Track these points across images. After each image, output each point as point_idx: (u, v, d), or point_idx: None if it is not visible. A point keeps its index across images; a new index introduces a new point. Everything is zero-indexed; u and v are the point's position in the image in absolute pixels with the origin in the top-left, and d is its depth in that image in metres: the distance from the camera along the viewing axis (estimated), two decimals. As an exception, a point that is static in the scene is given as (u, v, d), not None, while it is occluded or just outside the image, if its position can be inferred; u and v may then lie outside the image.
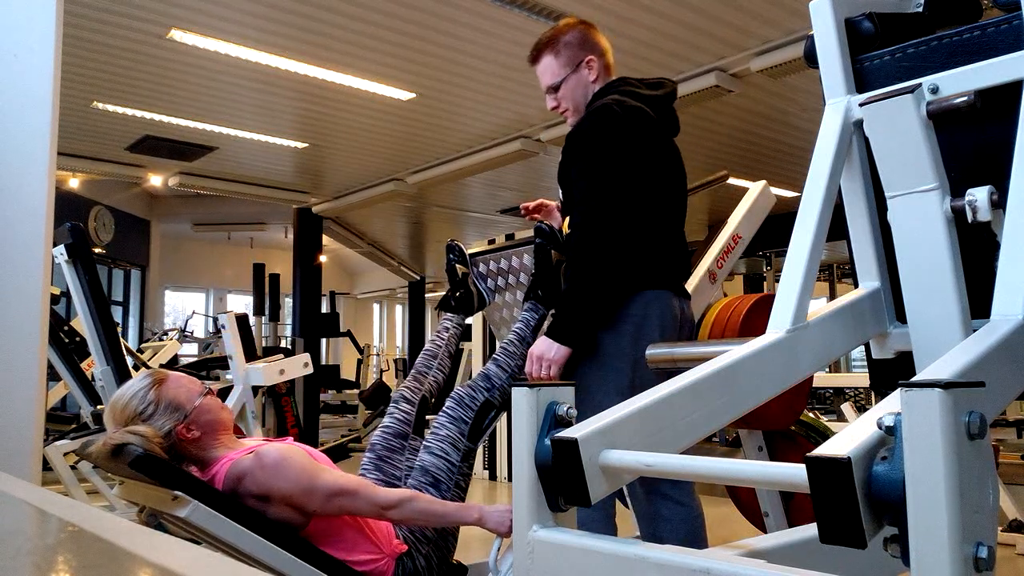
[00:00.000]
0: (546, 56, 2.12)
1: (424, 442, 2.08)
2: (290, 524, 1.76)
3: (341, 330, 12.01)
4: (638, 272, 1.98)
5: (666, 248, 2.06)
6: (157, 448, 1.69)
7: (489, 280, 2.52)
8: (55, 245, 3.83)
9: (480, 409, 2.08)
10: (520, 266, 2.42)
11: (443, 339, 2.38)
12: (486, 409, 2.10)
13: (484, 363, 2.49)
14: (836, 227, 1.39)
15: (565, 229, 2.18)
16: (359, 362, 11.89)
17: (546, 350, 1.92)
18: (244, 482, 1.73)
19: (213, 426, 1.83)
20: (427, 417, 2.20)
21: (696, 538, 2.00)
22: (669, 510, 2.01)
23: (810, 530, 1.15)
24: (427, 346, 2.40)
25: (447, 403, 2.10)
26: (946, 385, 0.77)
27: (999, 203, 1.20)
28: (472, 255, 2.54)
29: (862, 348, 1.48)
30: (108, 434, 1.73)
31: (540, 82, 2.16)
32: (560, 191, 2.20)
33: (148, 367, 5.27)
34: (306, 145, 6.85)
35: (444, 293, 2.53)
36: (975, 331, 1.08)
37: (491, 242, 2.61)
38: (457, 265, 2.49)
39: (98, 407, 4.38)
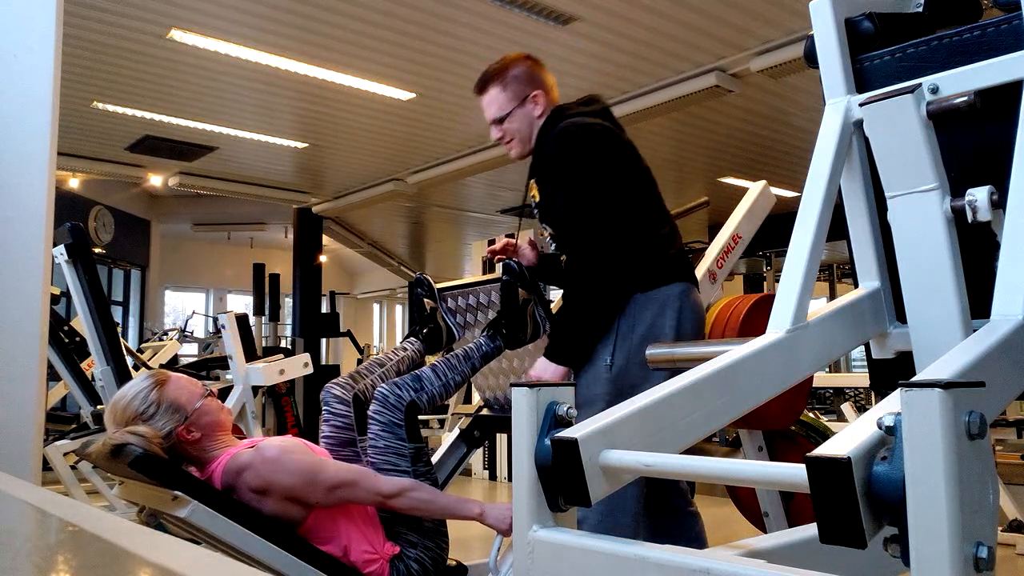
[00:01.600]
0: (493, 88, 2.13)
1: (368, 459, 1.95)
2: (288, 519, 1.76)
3: (341, 330, 12.00)
4: (663, 268, 1.98)
5: (677, 245, 2.07)
6: (157, 448, 1.69)
7: (458, 316, 2.48)
8: (55, 245, 3.83)
9: (407, 409, 1.95)
10: (489, 303, 2.38)
11: (397, 356, 2.26)
12: (413, 410, 1.97)
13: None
14: (836, 227, 1.39)
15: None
16: (359, 362, 11.87)
17: (542, 371, 1.94)
18: (244, 475, 1.73)
19: (213, 427, 1.83)
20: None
21: (702, 541, 2.02)
22: (680, 524, 2.02)
23: (810, 530, 1.15)
24: (379, 355, 2.30)
25: (372, 407, 1.96)
26: (946, 385, 0.77)
27: (999, 203, 1.20)
28: (440, 290, 2.47)
29: (862, 348, 1.48)
30: (108, 434, 1.73)
31: (485, 114, 2.18)
32: (547, 228, 2.19)
33: (148, 367, 5.27)
34: (306, 145, 6.85)
35: (411, 327, 2.46)
36: (975, 331, 1.08)
37: (491, 242, 2.60)
38: (425, 300, 2.41)
39: (98, 407, 4.38)
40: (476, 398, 4.55)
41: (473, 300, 2.42)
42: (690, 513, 2.06)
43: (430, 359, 2.34)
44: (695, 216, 9.33)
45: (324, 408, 2.07)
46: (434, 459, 2.38)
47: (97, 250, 9.88)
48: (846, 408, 5.56)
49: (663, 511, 2.04)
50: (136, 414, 1.77)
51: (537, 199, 2.12)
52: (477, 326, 2.43)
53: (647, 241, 1.97)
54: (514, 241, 2.32)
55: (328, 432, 2.03)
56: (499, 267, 2.27)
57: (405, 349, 2.29)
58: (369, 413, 1.96)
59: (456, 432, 2.54)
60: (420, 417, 2.03)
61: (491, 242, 7.54)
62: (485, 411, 2.63)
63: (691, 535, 2.02)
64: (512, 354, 2.33)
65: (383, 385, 1.98)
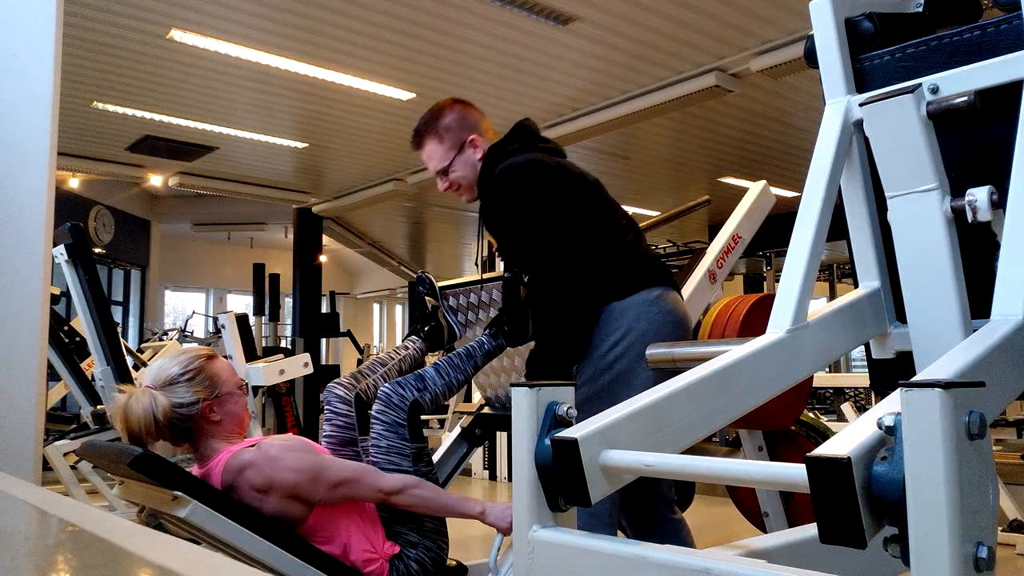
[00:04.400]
0: (429, 143, 2.13)
1: (370, 458, 1.97)
2: (289, 518, 1.76)
3: (341, 330, 11.99)
4: (631, 274, 1.96)
5: (644, 252, 2.04)
6: (164, 419, 1.74)
7: (459, 314, 2.48)
8: (55, 245, 3.83)
9: (410, 409, 1.96)
10: (490, 301, 2.38)
11: (399, 355, 2.28)
12: (416, 409, 1.98)
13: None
14: (836, 227, 1.39)
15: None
16: (359, 362, 11.88)
17: None
18: (246, 473, 1.74)
19: (233, 418, 1.86)
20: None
21: (690, 543, 2.01)
22: (663, 531, 2.02)
23: (810, 530, 1.15)
24: (380, 355, 2.32)
25: (376, 406, 1.97)
26: (946, 385, 0.77)
27: (999, 203, 1.20)
28: (442, 288, 2.49)
29: (862, 348, 1.48)
30: (140, 388, 1.79)
31: (427, 167, 2.17)
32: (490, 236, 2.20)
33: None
34: (306, 145, 6.85)
35: (413, 325, 2.48)
36: (975, 331, 1.08)
37: (490, 243, 2.60)
38: (427, 298, 2.43)
39: (98, 407, 4.37)
40: (477, 396, 4.55)
41: (475, 298, 2.42)
42: (673, 520, 2.04)
43: (431, 358, 2.35)
44: (695, 216, 9.36)
45: (326, 407, 2.09)
46: (435, 457, 2.39)
47: (97, 250, 9.88)
48: (846, 408, 5.56)
49: (645, 519, 2.03)
50: (175, 375, 1.81)
51: (495, 245, 2.12)
52: (479, 324, 2.43)
53: (610, 254, 1.95)
54: None
55: (329, 431, 2.07)
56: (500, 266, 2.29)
57: (407, 348, 2.31)
58: (372, 413, 1.97)
59: (457, 431, 2.55)
60: (421, 417, 2.04)
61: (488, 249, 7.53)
62: (486, 409, 2.63)
63: (676, 542, 2.01)
64: (513, 352, 2.33)
65: (386, 385, 1.99)
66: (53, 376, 4.91)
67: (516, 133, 2.12)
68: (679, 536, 2.03)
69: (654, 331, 1.91)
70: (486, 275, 2.47)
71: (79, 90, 5.53)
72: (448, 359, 2.10)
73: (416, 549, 1.89)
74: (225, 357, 4.50)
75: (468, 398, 7.45)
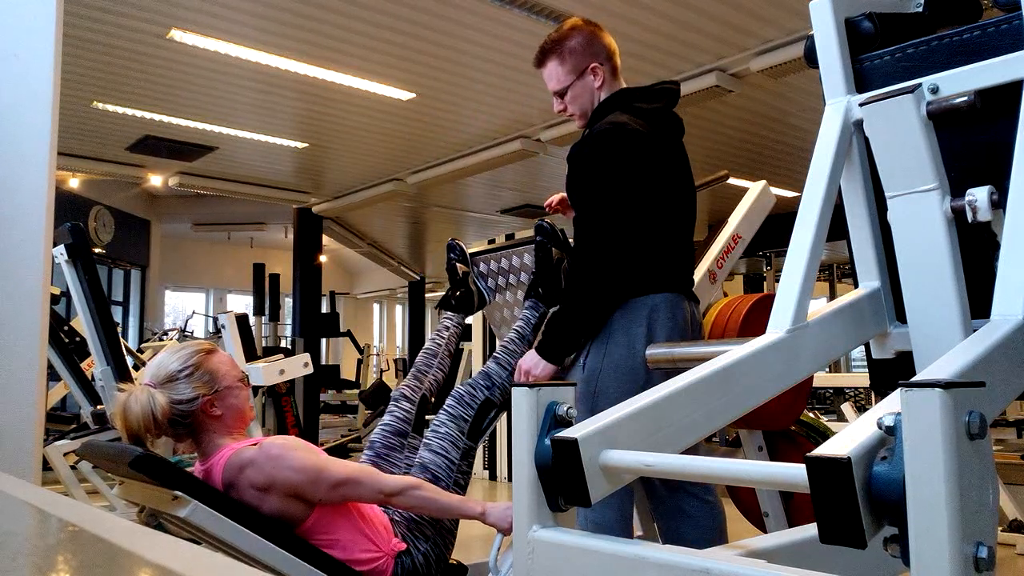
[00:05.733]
0: (551, 62, 2.11)
1: (424, 439, 2.09)
2: (289, 518, 1.76)
3: (341, 330, 12.01)
4: (647, 277, 1.98)
5: (673, 256, 2.06)
6: (163, 418, 1.74)
7: (489, 280, 2.53)
8: (55, 245, 3.83)
9: (480, 408, 2.09)
10: (520, 265, 2.43)
11: (443, 338, 2.40)
12: (486, 408, 2.10)
13: (484, 362, 2.49)
14: (836, 227, 1.39)
15: None
16: (359, 362, 11.89)
17: (533, 365, 1.96)
18: (247, 471, 1.74)
19: (234, 413, 1.86)
20: (427, 417, 2.20)
21: (720, 534, 2.01)
22: (693, 507, 2.03)
23: (810, 530, 1.15)
24: (427, 345, 2.41)
25: (448, 401, 2.10)
26: (946, 385, 0.77)
27: (999, 203, 1.20)
28: (472, 254, 2.56)
29: (862, 348, 1.48)
30: (139, 386, 1.79)
31: (547, 85, 2.16)
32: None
33: (148, 367, 5.25)
34: (306, 145, 6.85)
35: (445, 292, 2.54)
36: (975, 331, 1.08)
37: (491, 242, 2.63)
38: (458, 264, 2.51)
39: (98, 407, 4.37)
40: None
41: (505, 263, 2.47)
42: (708, 502, 2.05)
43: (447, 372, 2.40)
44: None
45: (392, 403, 2.26)
46: None
47: (97, 250, 9.88)
48: (846, 408, 5.56)
49: (683, 492, 2.04)
50: (173, 371, 1.80)
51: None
52: (508, 289, 2.48)
53: (639, 250, 1.96)
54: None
55: (388, 421, 2.23)
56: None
57: (447, 328, 2.44)
58: (445, 405, 2.11)
59: None
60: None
61: (491, 242, 7.53)
62: None
63: (708, 525, 2.01)
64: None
65: (460, 386, 2.14)
66: (53, 376, 4.91)
67: (654, 93, 2.13)
68: (714, 521, 2.03)
69: (649, 335, 1.94)
70: (515, 239, 2.51)
71: (79, 90, 5.53)
72: (503, 347, 2.21)
73: (426, 543, 1.91)
74: (225, 357, 4.52)
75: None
